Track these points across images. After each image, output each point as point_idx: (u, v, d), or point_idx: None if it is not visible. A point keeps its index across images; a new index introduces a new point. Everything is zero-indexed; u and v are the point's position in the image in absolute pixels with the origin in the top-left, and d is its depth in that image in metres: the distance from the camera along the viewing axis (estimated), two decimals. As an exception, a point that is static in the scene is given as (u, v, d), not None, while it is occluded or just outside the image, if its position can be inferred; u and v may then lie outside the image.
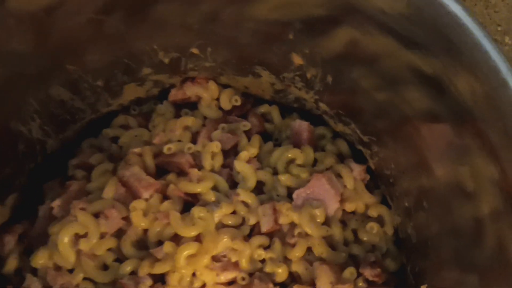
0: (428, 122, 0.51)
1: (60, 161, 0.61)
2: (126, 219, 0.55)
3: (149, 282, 0.52)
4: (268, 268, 0.54)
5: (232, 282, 0.54)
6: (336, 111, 0.60)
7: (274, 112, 0.65)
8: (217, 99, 0.65)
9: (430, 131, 0.51)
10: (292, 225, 0.56)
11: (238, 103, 0.64)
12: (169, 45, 0.58)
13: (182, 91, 0.64)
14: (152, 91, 0.64)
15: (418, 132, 0.53)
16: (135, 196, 0.55)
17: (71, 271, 0.54)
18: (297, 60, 0.55)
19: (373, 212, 0.59)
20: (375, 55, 0.50)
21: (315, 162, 0.61)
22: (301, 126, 0.62)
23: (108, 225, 0.54)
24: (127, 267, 0.53)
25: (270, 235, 0.56)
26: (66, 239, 0.53)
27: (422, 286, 0.53)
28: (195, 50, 0.59)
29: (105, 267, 0.54)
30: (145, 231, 0.55)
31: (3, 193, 0.57)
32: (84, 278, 0.54)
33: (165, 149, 0.59)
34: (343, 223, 0.58)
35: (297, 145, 0.61)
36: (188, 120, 0.61)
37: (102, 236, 0.54)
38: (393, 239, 0.59)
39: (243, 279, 0.54)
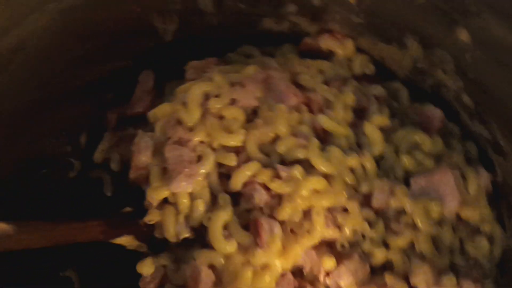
0: None
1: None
2: (258, 104, 0.52)
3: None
4: (366, 246, 0.50)
5: (330, 244, 0.51)
6: (482, 108, 0.54)
7: (404, 92, 0.59)
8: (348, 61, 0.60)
9: None
10: (400, 211, 0.51)
11: (371, 72, 0.60)
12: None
13: (316, 41, 0.60)
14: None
15: None
16: (278, 99, 0.52)
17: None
18: (464, 36, 0.50)
19: (486, 228, 0.53)
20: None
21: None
22: (434, 113, 0.57)
23: (242, 95, 0.51)
24: (250, 167, 0.50)
25: (375, 213, 0.52)
26: (197, 94, 0.51)
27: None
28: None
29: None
30: (274, 140, 0.51)
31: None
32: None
33: (300, 78, 0.55)
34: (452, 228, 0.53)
35: (425, 131, 0.56)
36: (324, 64, 0.57)
37: (233, 102, 0.51)
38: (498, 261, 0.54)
39: (343, 246, 0.50)
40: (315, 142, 0.51)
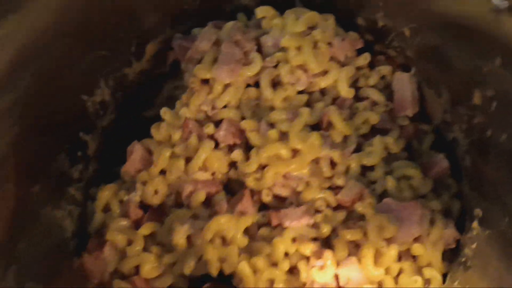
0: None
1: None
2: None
3: None
4: (318, 219, 0.58)
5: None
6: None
7: (430, 139, 0.65)
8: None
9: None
10: (361, 216, 0.58)
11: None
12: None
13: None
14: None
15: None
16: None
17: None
18: (477, 98, 0.55)
19: (427, 272, 0.57)
20: None
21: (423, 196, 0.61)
22: (441, 161, 0.62)
23: None
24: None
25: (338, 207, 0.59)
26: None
27: None
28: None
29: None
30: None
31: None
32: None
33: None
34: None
35: (423, 172, 0.61)
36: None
37: None
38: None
39: (291, 203, 0.60)
40: (302, 119, 0.59)
